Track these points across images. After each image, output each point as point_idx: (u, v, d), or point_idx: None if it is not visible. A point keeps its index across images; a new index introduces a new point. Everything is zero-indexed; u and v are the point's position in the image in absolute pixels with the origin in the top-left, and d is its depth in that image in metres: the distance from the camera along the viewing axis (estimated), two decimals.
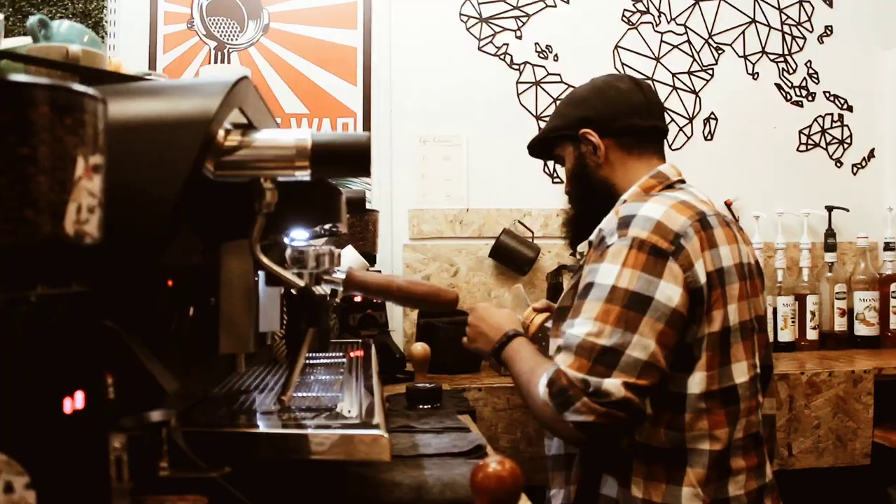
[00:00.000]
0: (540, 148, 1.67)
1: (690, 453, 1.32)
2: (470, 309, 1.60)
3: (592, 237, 1.43)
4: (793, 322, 2.59)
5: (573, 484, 1.41)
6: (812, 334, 2.61)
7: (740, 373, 1.35)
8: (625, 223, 1.34)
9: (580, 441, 1.28)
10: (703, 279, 1.32)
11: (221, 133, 0.78)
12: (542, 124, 2.69)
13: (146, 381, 0.61)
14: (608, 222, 1.39)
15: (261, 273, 1.05)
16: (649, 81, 2.73)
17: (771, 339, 1.52)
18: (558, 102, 1.64)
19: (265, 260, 0.85)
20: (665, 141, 1.59)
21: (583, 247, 1.57)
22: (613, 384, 1.23)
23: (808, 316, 2.60)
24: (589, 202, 1.57)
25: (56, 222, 0.52)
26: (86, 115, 0.55)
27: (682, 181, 1.52)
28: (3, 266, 0.53)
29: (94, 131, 0.56)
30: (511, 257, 2.58)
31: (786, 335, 2.58)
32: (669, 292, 1.29)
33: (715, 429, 1.32)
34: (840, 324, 2.64)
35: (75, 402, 0.55)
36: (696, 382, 1.32)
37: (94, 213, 0.56)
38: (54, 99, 0.53)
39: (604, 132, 1.52)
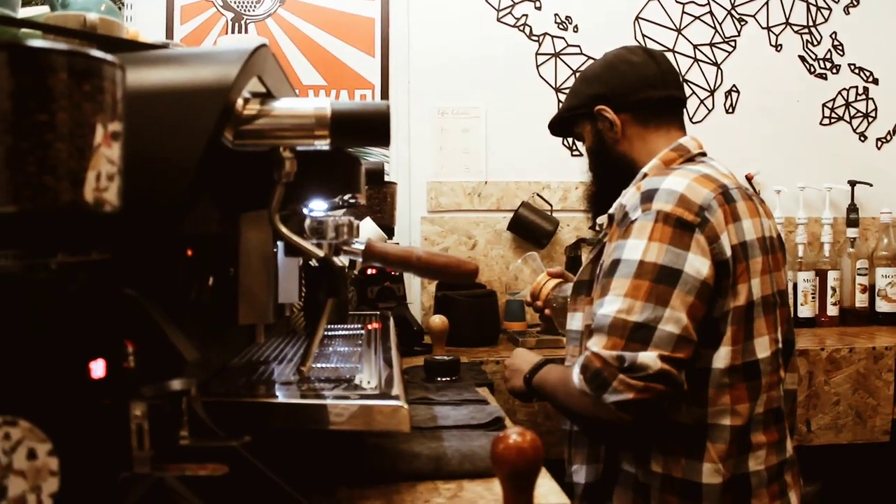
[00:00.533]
0: (560, 127, 1.66)
1: (711, 429, 1.31)
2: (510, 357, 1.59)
3: (613, 211, 1.41)
4: (813, 298, 2.57)
5: (598, 462, 1.40)
6: (832, 310, 2.59)
7: (762, 348, 1.34)
8: (648, 197, 1.33)
9: (625, 423, 1.24)
10: (728, 252, 1.31)
11: (240, 102, 0.78)
12: (562, 97, 2.67)
13: (167, 349, 0.61)
14: (630, 197, 1.37)
15: (279, 244, 1.05)
16: (667, 52, 2.70)
17: (791, 314, 1.50)
18: (574, 79, 1.61)
19: (284, 230, 0.85)
20: (685, 112, 1.57)
21: (601, 219, 1.56)
22: (649, 356, 1.22)
23: (829, 292, 2.58)
24: (609, 178, 1.55)
25: (75, 189, 0.52)
26: (104, 81, 0.54)
27: (704, 154, 1.50)
28: (24, 233, 0.52)
29: (112, 98, 0.55)
30: (529, 230, 2.56)
31: (806, 311, 2.56)
32: (698, 265, 1.28)
33: (737, 404, 1.31)
34: (861, 300, 2.62)
35: (96, 369, 0.55)
36: (721, 357, 1.31)
37: (113, 180, 0.55)
38: (72, 65, 0.52)
39: (619, 107, 1.50)
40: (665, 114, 1.51)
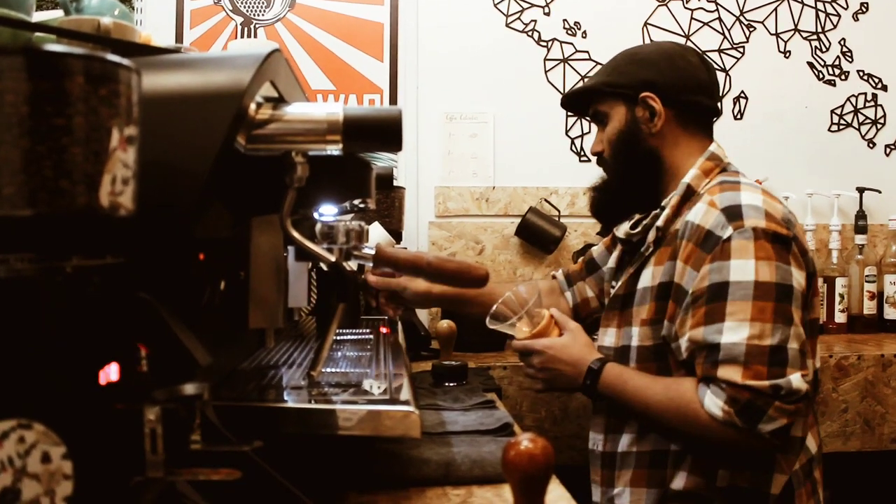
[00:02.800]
0: (578, 101, 1.58)
1: (787, 441, 1.30)
2: (537, 352, 1.44)
3: (683, 230, 1.35)
4: (821, 305, 2.56)
5: (649, 485, 1.38)
6: (840, 317, 2.58)
7: (818, 357, 1.36)
8: (736, 214, 1.29)
9: (773, 447, 1.26)
10: (811, 264, 1.33)
11: (253, 106, 0.78)
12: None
13: (180, 353, 0.61)
14: (705, 215, 1.33)
15: (290, 248, 1.05)
16: None
17: None
18: (616, 57, 1.55)
19: (296, 234, 0.85)
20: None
21: (621, 230, 1.55)
22: (798, 379, 1.22)
23: (837, 299, 2.57)
24: (629, 170, 1.50)
25: (91, 193, 0.52)
26: (120, 85, 0.54)
27: (731, 163, 1.50)
28: (40, 236, 0.52)
29: (128, 102, 0.55)
30: (537, 236, 2.56)
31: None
32: (798, 277, 1.29)
33: (807, 415, 1.34)
34: (869, 307, 2.61)
35: (110, 373, 0.55)
36: (811, 369, 1.31)
37: (128, 184, 0.56)
38: (89, 69, 0.52)
39: (666, 101, 1.45)
40: (704, 122, 1.50)
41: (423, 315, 2.51)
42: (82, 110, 0.52)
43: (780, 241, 1.28)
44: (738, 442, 1.25)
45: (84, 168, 0.52)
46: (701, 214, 1.34)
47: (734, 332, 1.24)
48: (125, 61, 0.55)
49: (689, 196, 1.42)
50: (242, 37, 2.57)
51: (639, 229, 1.49)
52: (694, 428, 1.28)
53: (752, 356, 1.22)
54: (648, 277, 1.41)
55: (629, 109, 1.47)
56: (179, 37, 2.57)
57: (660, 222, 1.41)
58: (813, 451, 1.39)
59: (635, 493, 1.39)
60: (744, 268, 1.26)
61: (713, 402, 1.24)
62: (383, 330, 1.45)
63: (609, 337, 1.45)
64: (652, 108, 1.45)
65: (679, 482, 1.34)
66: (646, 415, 1.36)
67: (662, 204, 1.45)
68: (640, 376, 1.38)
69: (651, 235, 1.43)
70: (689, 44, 2.72)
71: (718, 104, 1.51)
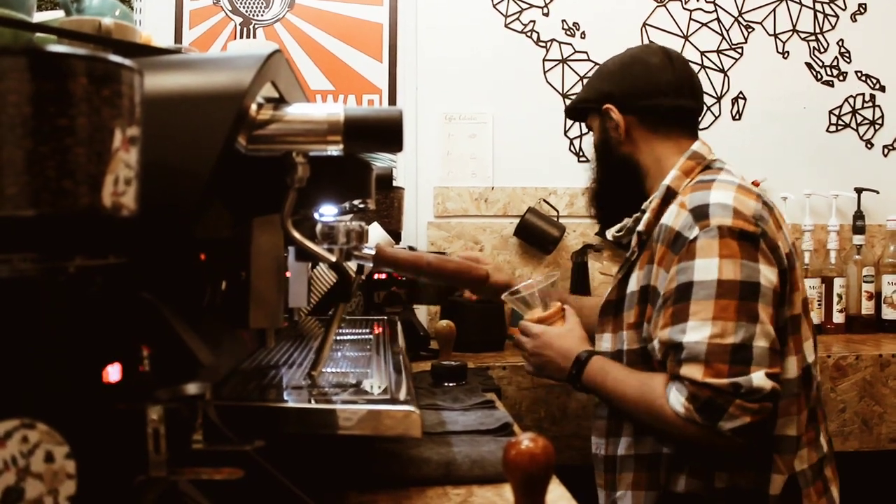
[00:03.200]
0: (574, 113, 1.66)
1: (779, 440, 1.32)
2: (533, 335, 1.52)
3: (641, 229, 1.41)
4: (819, 305, 2.57)
5: (649, 488, 1.39)
6: (839, 317, 2.58)
7: (810, 350, 1.37)
8: (702, 214, 1.31)
9: (738, 446, 1.25)
10: (785, 260, 1.32)
11: (254, 107, 0.78)
12: (569, 103, 2.67)
13: (183, 353, 0.61)
14: (675, 217, 1.35)
15: (290, 248, 1.05)
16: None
17: None
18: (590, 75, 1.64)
19: (297, 235, 0.85)
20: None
21: (612, 233, 1.57)
22: (760, 378, 1.22)
23: (835, 299, 2.58)
24: (612, 177, 1.56)
25: (94, 193, 0.52)
26: (123, 86, 0.55)
27: (716, 159, 1.49)
28: (42, 237, 0.53)
29: (130, 103, 0.56)
30: (536, 236, 2.57)
31: (812, 318, 2.55)
32: (768, 274, 1.28)
33: (800, 412, 1.33)
34: (867, 307, 2.61)
35: (113, 373, 0.55)
36: (791, 367, 1.32)
37: (130, 185, 0.56)
38: (92, 70, 0.52)
39: (625, 109, 1.50)
40: (675, 122, 1.50)
41: (422, 315, 2.51)
42: (85, 111, 0.52)
43: (748, 238, 1.28)
44: (700, 439, 1.26)
45: (87, 168, 0.52)
46: (672, 216, 1.36)
47: (697, 331, 1.25)
48: (128, 62, 0.55)
49: (671, 198, 1.43)
50: (241, 37, 2.57)
51: (622, 233, 1.53)
52: (661, 423, 1.31)
53: (714, 354, 1.23)
54: (634, 282, 1.43)
55: (601, 121, 1.54)
56: (178, 37, 2.57)
57: (641, 226, 1.43)
58: (824, 449, 1.39)
59: (636, 497, 1.39)
60: (708, 267, 1.27)
61: (676, 399, 1.26)
62: (381, 330, 1.45)
63: (605, 342, 1.47)
64: (613, 119, 1.51)
65: (679, 485, 1.35)
66: (621, 408, 1.39)
67: (643, 207, 1.47)
68: (620, 369, 1.40)
69: (634, 239, 1.46)
70: (687, 44, 2.73)
71: (686, 103, 1.50)
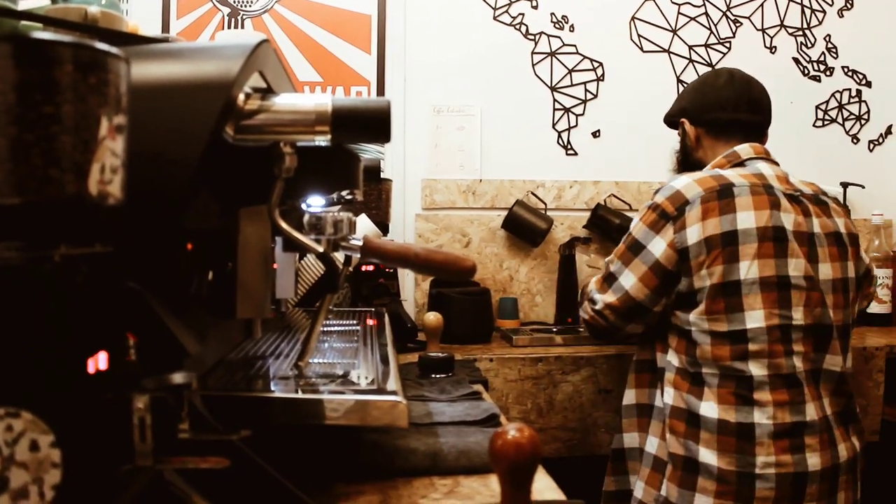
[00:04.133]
0: (668, 124, 2.03)
1: (705, 375, 1.62)
2: None
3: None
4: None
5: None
6: None
7: (754, 319, 1.59)
8: (657, 191, 1.73)
9: (590, 330, 1.82)
10: (691, 241, 1.63)
11: (242, 97, 0.78)
12: (557, 95, 2.68)
13: (169, 342, 0.61)
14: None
15: (277, 239, 1.05)
16: (661, 53, 2.70)
17: (824, 300, 1.68)
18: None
19: (284, 225, 0.85)
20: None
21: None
22: (599, 298, 1.75)
23: None
24: None
25: (80, 182, 0.52)
26: (110, 74, 0.54)
27: (757, 158, 1.78)
28: (28, 225, 0.52)
29: (117, 91, 0.55)
30: (524, 228, 2.57)
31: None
32: (659, 245, 1.67)
33: (721, 361, 1.60)
34: None
35: (99, 362, 0.55)
36: (694, 321, 1.63)
37: (117, 173, 0.56)
38: (78, 57, 0.52)
39: (695, 122, 1.89)
40: (732, 131, 1.85)
41: (409, 307, 2.51)
42: (71, 98, 0.52)
43: (662, 216, 1.68)
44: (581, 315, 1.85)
45: (73, 157, 0.52)
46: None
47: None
48: (114, 50, 0.55)
49: None
50: (230, 28, 2.56)
51: None
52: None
53: (603, 268, 1.79)
54: None
55: (681, 131, 1.95)
56: (166, 27, 2.55)
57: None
58: (805, 417, 1.58)
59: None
60: (633, 222, 1.75)
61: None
62: (369, 321, 1.45)
63: None
64: (686, 130, 1.92)
65: (655, 399, 1.74)
66: None
67: None
68: None
69: None
70: (675, 38, 2.74)
71: (741, 116, 1.83)
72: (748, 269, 1.60)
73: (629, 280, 1.69)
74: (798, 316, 1.61)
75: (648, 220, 1.69)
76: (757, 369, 1.58)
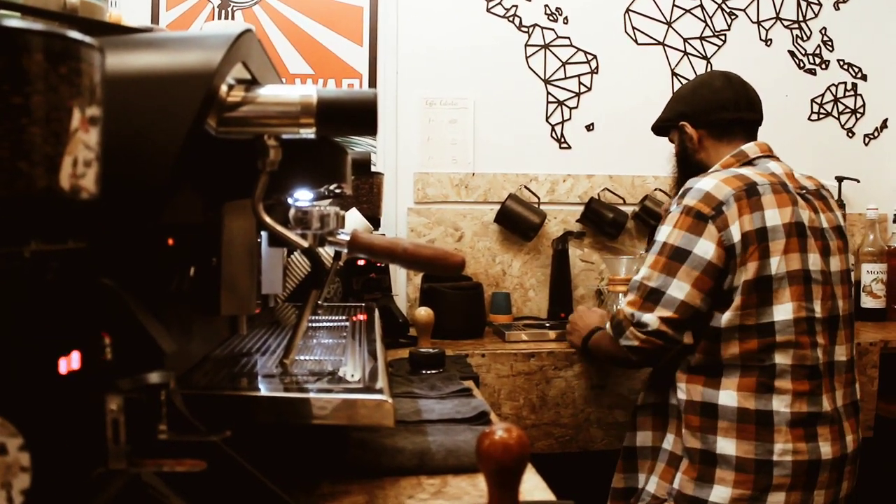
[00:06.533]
0: (658, 129, 2.03)
1: (725, 368, 1.64)
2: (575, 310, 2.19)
3: (664, 207, 1.88)
4: None
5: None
6: None
7: (783, 312, 1.62)
8: (683, 194, 1.71)
9: (631, 362, 1.73)
10: (736, 238, 1.63)
11: (224, 88, 0.76)
12: (551, 88, 2.66)
13: (144, 341, 0.59)
14: (676, 196, 1.74)
15: (263, 234, 1.03)
16: (656, 46, 2.68)
17: (834, 293, 1.74)
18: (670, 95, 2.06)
19: (268, 219, 0.83)
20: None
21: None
22: (651, 318, 1.65)
23: None
24: (687, 179, 1.86)
25: (51, 176, 0.50)
26: (82, 64, 0.52)
27: (766, 156, 1.81)
28: None
29: (90, 82, 0.53)
30: (516, 222, 2.55)
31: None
32: (706, 247, 1.64)
33: (747, 353, 1.62)
34: None
35: (71, 362, 0.53)
36: (729, 318, 1.62)
37: (90, 167, 0.54)
38: (49, 46, 0.50)
39: (697, 124, 1.90)
40: (735, 130, 1.87)
41: (401, 302, 2.50)
42: (41, 89, 0.50)
43: (700, 217, 1.66)
44: (613, 348, 1.74)
45: (43, 149, 0.50)
46: (677, 196, 1.74)
47: (640, 272, 1.71)
48: (87, 39, 0.53)
49: None
50: (219, 19, 2.53)
51: None
52: (606, 342, 1.82)
53: (635, 289, 1.70)
54: None
55: (679, 135, 1.95)
56: (155, 19, 2.53)
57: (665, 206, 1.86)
58: (822, 408, 1.62)
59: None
60: (664, 231, 1.70)
61: (608, 322, 1.78)
62: (359, 317, 1.43)
63: None
64: (688, 133, 1.91)
65: (670, 398, 1.74)
66: (598, 350, 1.90)
67: None
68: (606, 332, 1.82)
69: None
70: (670, 31, 2.72)
71: (743, 115, 1.86)
72: (778, 264, 1.63)
73: (681, 289, 1.64)
74: (818, 308, 1.66)
75: (685, 225, 1.67)
76: (781, 358, 1.61)
